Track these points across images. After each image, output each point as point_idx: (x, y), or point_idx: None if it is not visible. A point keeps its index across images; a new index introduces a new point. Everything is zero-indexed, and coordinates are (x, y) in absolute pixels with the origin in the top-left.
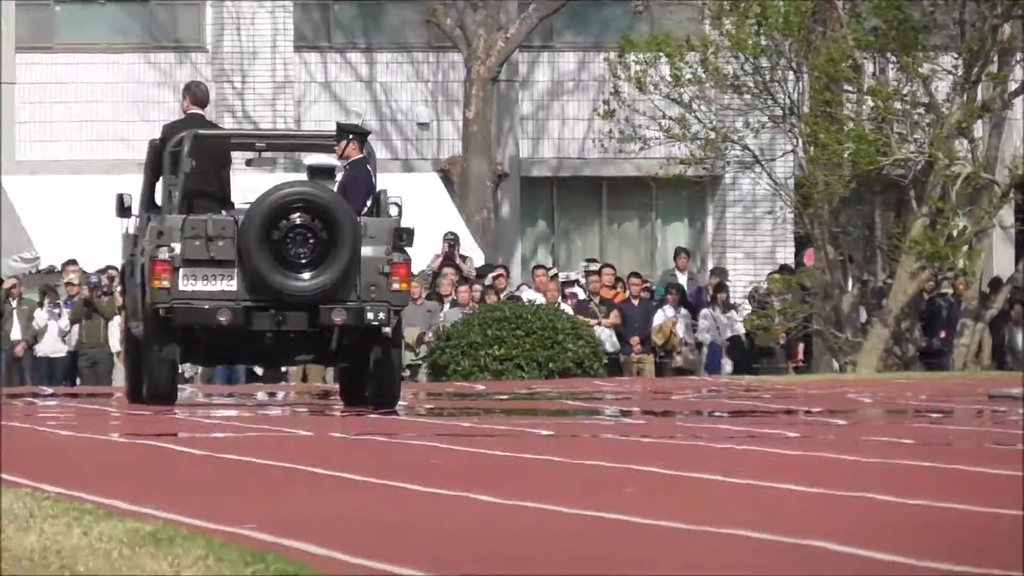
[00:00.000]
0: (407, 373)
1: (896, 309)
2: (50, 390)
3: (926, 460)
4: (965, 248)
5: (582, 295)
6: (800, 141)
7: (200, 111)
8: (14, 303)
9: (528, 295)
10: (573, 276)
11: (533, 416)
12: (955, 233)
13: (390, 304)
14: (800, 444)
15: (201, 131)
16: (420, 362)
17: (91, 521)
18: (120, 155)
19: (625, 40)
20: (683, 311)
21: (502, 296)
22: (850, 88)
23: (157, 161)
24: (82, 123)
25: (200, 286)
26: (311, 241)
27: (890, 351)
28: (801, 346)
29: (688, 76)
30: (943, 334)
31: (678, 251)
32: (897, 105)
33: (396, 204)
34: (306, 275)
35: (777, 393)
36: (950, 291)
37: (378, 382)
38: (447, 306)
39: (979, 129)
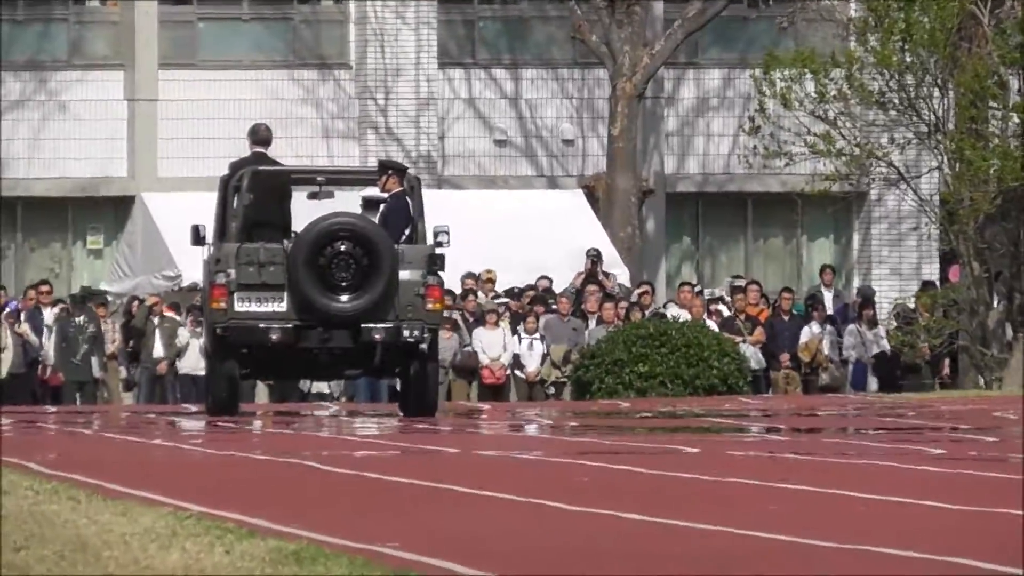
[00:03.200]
0: (552, 391)
1: None
2: (193, 407)
3: None
4: None
5: (727, 312)
6: (945, 158)
7: (263, 149)
8: (156, 320)
9: (673, 312)
10: (718, 293)
11: (678, 434)
12: None
13: (425, 322)
14: (945, 462)
15: (260, 167)
16: (565, 380)
17: (233, 540)
18: None
19: (770, 57)
20: (829, 328)
21: (647, 313)
22: (995, 105)
23: (224, 194)
24: (224, 140)
25: (254, 307)
26: (353, 266)
27: None
28: (947, 363)
29: (833, 92)
30: None
31: (824, 268)
32: None
33: (444, 232)
34: (348, 297)
35: (922, 410)
36: None
37: (416, 393)
38: (592, 324)
39: None
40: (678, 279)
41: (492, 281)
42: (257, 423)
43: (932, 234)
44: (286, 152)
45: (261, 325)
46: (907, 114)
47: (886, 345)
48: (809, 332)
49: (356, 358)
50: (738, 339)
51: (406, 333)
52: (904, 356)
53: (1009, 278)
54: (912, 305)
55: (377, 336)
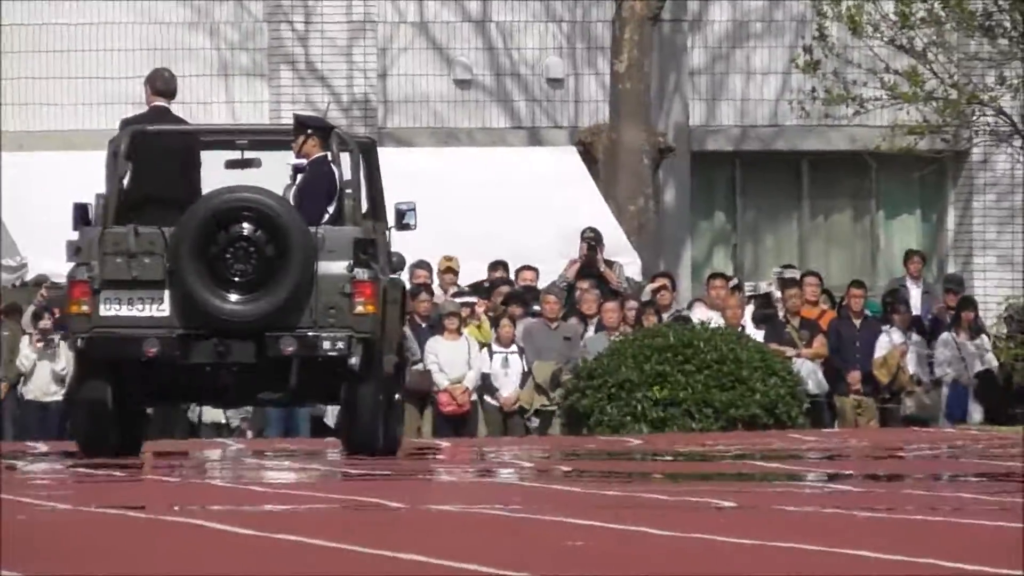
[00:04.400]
0: (535, 423)
1: None
2: (43, 446)
3: None
4: None
5: (776, 315)
6: None
7: (164, 103)
8: None
9: (701, 314)
10: (763, 288)
11: (708, 482)
12: None
13: (353, 331)
14: None
15: (150, 127)
16: (554, 408)
17: None
18: None
19: None
20: (915, 337)
21: (666, 317)
22: None
23: (112, 164)
24: (79, 81)
25: (125, 311)
26: (254, 257)
27: None
28: None
29: (921, 13)
30: None
31: (909, 254)
32: None
33: (410, 210)
34: (246, 297)
35: None
36: None
37: (349, 426)
38: (590, 331)
39: None
40: (707, 270)
41: (453, 272)
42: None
43: None
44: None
45: (133, 334)
46: (1023, 43)
47: (993, 361)
48: (888, 342)
49: (265, 378)
50: (790, 352)
51: (326, 345)
52: (1018, 376)
53: None
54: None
55: (287, 348)
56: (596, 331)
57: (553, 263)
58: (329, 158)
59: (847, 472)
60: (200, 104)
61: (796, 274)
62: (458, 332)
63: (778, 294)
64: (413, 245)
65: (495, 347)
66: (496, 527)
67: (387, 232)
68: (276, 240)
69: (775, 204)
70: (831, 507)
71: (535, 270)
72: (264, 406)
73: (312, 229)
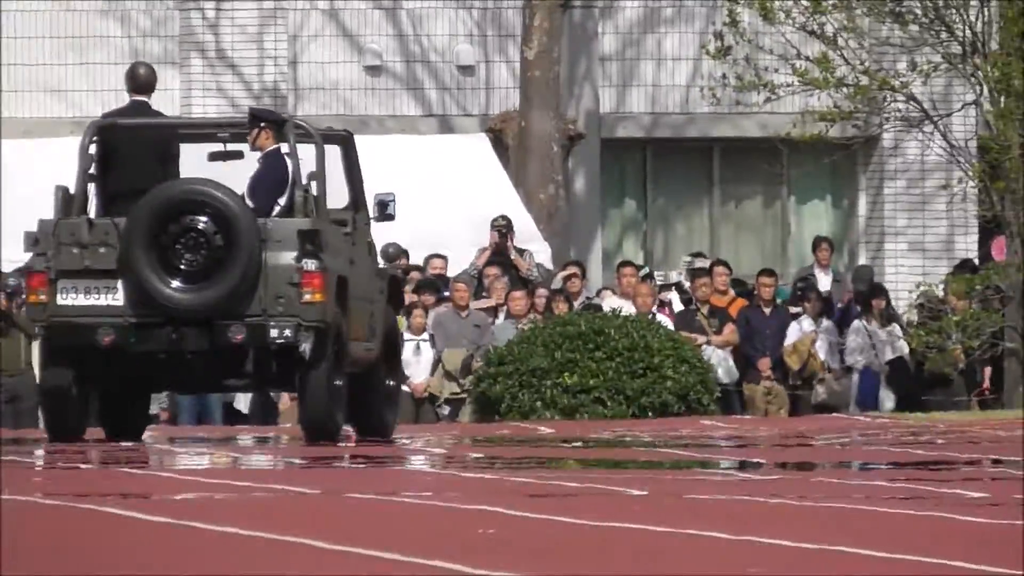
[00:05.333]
0: (446, 410)
1: None
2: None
3: None
4: None
5: (677, 304)
6: (986, 89)
7: (143, 98)
8: None
9: (612, 303)
10: (674, 277)
11: (619, 469)
12: None
13: (301, 319)
14: (986, 508)
15: (120, 120)
16: (464, 395)
17: None
18: (47, 112)
19: None
20: (826, 324)
21: (576, 305)
22: None
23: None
24: None
25: (81, 300)
26: (203, 247)
27: None
28: (988, 372)
29: (832, 0)
30: None
31: (817, 241)
32: None
33: (390, 202)
34: (194, 286)
35: (955, 437)
36: None
37: (303, 413)
38: (500, 318)
39: None
40: (618, 258)
41: None
42: (40, 453)
43: (968, 194)
44: (79, 84)
45: (89, 323)
46: (934, 29)
47: (905, 348)
48: (799, 330)
49: (220, 365)
50: (701, 340)
51: (274, 333)
52: (929, 363)
53: None
54: (940, 293)
55: (237, 336)
56: (506, 319)
57: (463, 251)
58: (283, 150)
59: (758, 460)
60: (111, 92)
61: (706, 263)
62: None
63: (688, 283)
64: None
65: (407, 335)
66: (407, 514)
67: (368, 223)
68: (224, 231)
69: (686, 191)
70: (742, 495)
71: (444, 258)
72: (230, 391)
73: (261, 221)
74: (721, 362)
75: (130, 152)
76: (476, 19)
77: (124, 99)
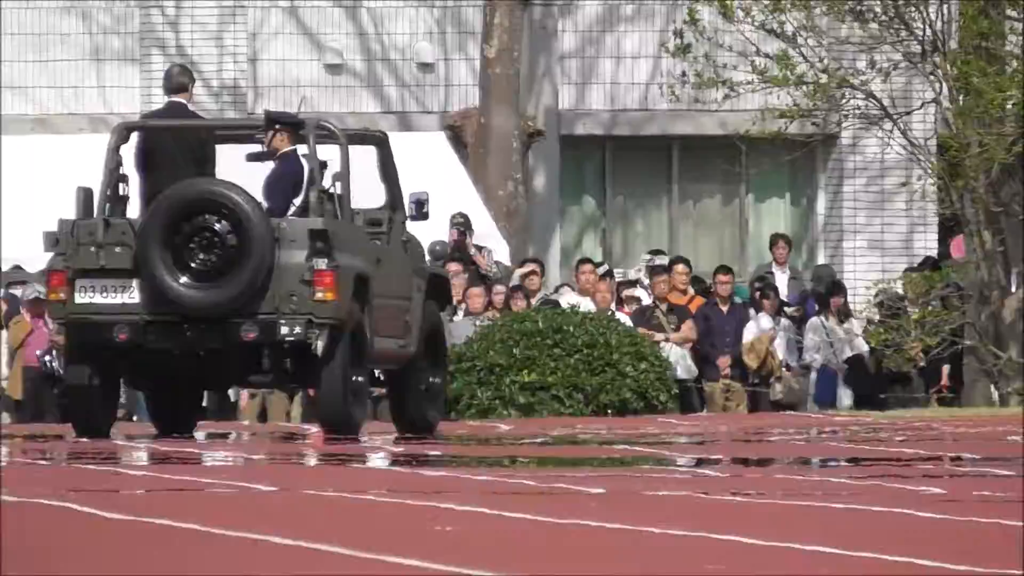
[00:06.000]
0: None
1: None
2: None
3: None
4: None
5: (645, 300)
6: (945, 87)
7: (179, 99)
8: None
9: (570, 300)
10: (632, 274)
11: (577, 467)
12: None
13: (313, 316)
14: (944, 505)
15: (152, 122)
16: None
17: None
18: (8, 109)
19: None
20: (784, 322)
21: (534, 301)
22: (1014, 14)
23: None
24: None
25: (99, 299)
26: (217, 247)
27: None
28: (947, 369)
29: None
30: None
31: (776, 239)
32: None
33: (424, 200)
34: (207, 285)
35: (914, 434)
36: None
37: (319, 408)
38: (459, 316)
39: None
40: (577, 255)
41: None
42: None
43: (927, 192)
44: (39, 81)
45: (105, 321)
46: (893, 28)
47: (863, 346)
48: (757, 328)
49: (238, 361)
50: (659, 337)
51: (284, 330)
52: (888, 361)
53: None
54: (899, 291)
55: (249, 334)
56: (464, 316)
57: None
58: (299, 152)
59: (716, 457)
60: (71, 88)
61: (665, 260)
62: None
63: (647, 280)
64: None
65: None
66: (366, 511)
67: (404, 222)
68: (238, 232)
69: (645, 189)
70: (700, 492)
71: None
72: (255, 387)
73: (275, 221)
74: (680, 360)
75: (166, 153)
76: (436, 17)
77: (84, 97)
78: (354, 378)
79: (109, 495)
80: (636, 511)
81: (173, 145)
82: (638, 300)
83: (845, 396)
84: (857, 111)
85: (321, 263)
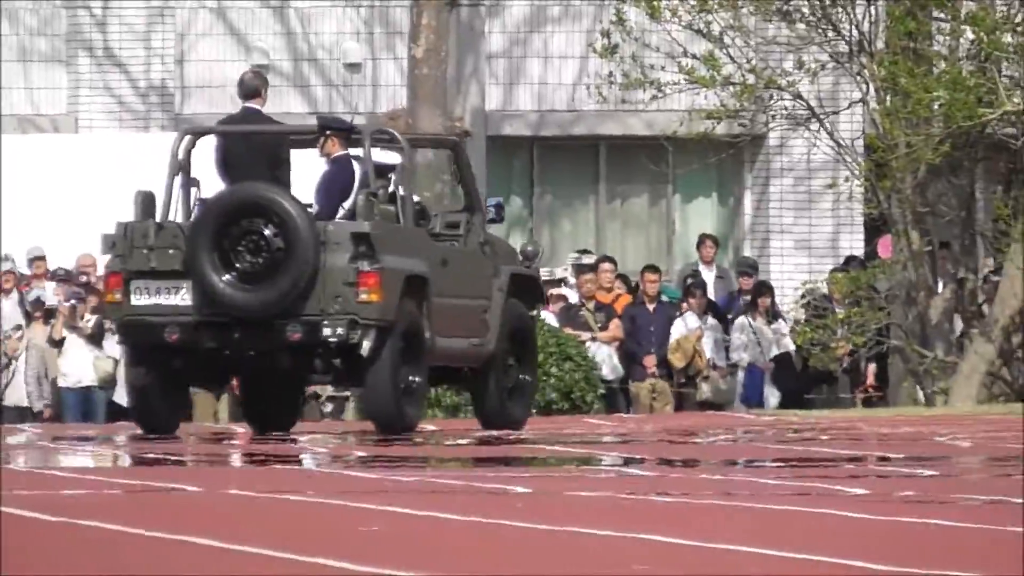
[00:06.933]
0: (329, 408)
1: (1004, 318)
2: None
3: None
4: None
5: (571, 299)
6: (872, 88)
7: (253, 104)
8: None
9: None
10: (559, 273)
11: (503, 467)
12: None
13: (358, 317)
14: (871, 505)
15: (221, 126)
16: (347, 394)
17: None
18: None
19: None
20: (711, 321)
21: None
22: (942, 15)
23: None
24: None
25: (153, 300)
26: (264, 250)
27: (996, 375)
28: (873, 369)
29: None
30: None
31: (703, 238)
32: (1007, 39)
33: (500, 206)
34: (253, 287)
35: (839, 434)
36: None
37: (367, 406)
38: None
39: None
40: None
41: None
42: None
43: (854, 193)
44: None
45: (157, 322)
46: (820, 28)
47: (790, 345)
48: (684, 327)
49: (291, 363)
50: (585, 336)
51: (327, 332)
52: (814, 360)
53: (959, 253)
54: (826, 291)
55: (294, 335)
56: None
57: None
58: (351, 155)
59: (642, 457)
60: None
61: (592, 259)
62: None
63: (573, 279)
64: None
65: None
66: (291, 512)
67: (483, 224)
68: (284, 234)
69: (572, 189)
70: (626, 492)
71: None
72: (314, 385)
73: (321, 224)
74: (606, 359)
75: (241, 157)
76: (364, 17)
77: (12, 98)
78: (410, 378)
79: (40, 496)
80: (562, 511)
81: (247, 149)
82: (564, 299)
83: (772, 396)
84: (784, 112)
85: (365, 265)
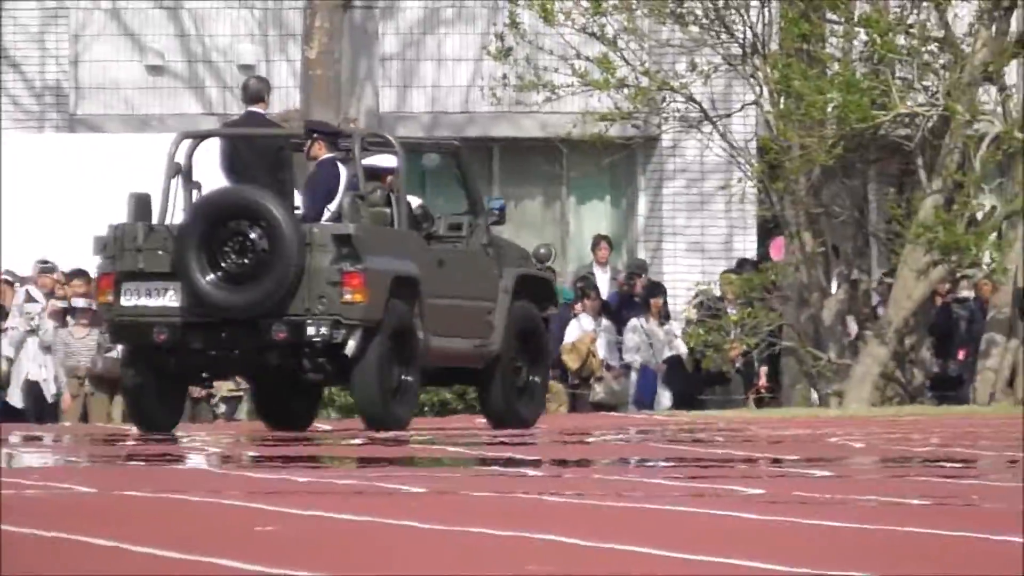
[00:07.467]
0: (222, 408)
1: (898, 320)
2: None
3: (940, 528)
4: (993, 236)
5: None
6: (766, 90)
7: (256, 108)
8: None
9: None
10: None
11: (397, 467)
12: (979, 216)
13: (341, 317)
14: (764, 506)
15: (221, 130)
16: (241, 393)
17: None
18: None
19: None
20: (605, 323)
21: None
22: (835, 17)
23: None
24: None
25: (142, 301)
26: (249, 252)
27: (889, 377)
28: (765, 371)
29: (613, 0)
30: (962, 355)
31: (598, 240)
32: (900, 40)
33: (500, 208)
34: (238, 288)
35: (732, 435)
36: (972, 295)
37: (358, 407)
38: None
39: (1013, 73)
40: None
41: None
42: None
43: (747, 195)
44: None
45: (146, 322)
46: (713, 30)
47: (682, 347)
48: (577, 328)
49: (278, 362)
50: None
51: (311, 331)
52: (707, 362)
53: (852, 255)
54: (718, 292)
55: (279, 334)
56: None
57: None
58: (336, 159)
59: (536, 458)
60: None
61: None
62: None
63: None
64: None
65: None
66: (185, 512)
67: (487, 226)
68: (269, 236)
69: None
70: (520, 492)
71: None
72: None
73: (307, 226)
74: None
75: (244, 161)
76: (258, 19)
77: None
78: (402, 377)
79: None
80: (456, 511)
81: (251, 153)
82: None
83: (664, 397)
84: (677, 114)
85: (348, 266)
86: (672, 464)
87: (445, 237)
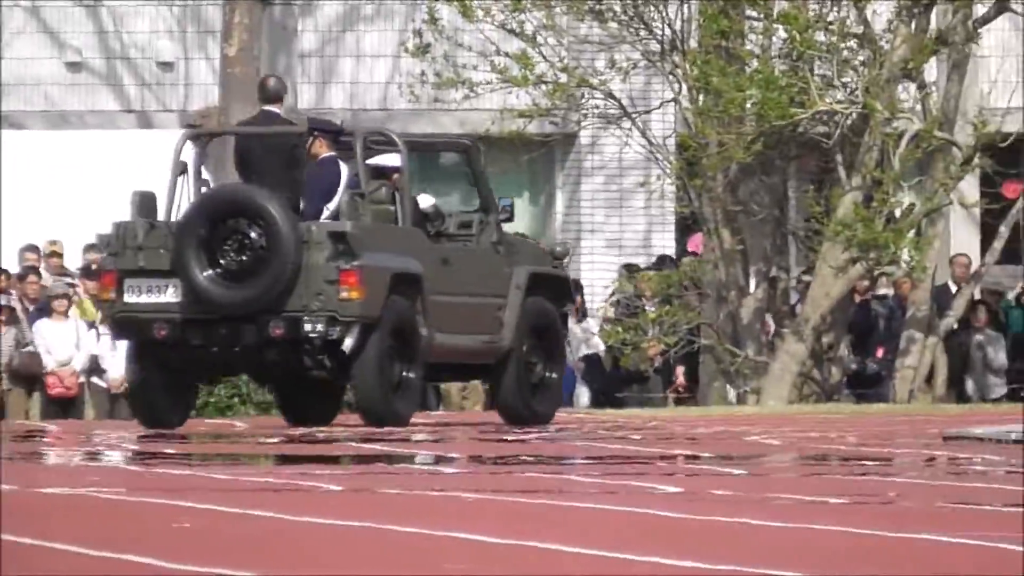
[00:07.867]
0: None
1: (816, 318)
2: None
3: (857, 526)
4: (911, 234)
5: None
6: (685, 87)
7: (273, 108)
8: None
9: None
10: None
11: (315, 464)
12: (898, 213)
13: (338, 315)
14: (682, 503)
15: (213, 130)
16: None
17: None
18: None
19: None
20: None
21: None
22: (754, 14)
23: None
24: None
25: (144, 298)
26: (247, 249)
27: (807, 376)
28: (682, 369)
29: None
30: (881, 352)
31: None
32: (820, 37)
33: (509, 208)
34: (235, 285)
35: (650, 433)
36: (891, 293)
37: (358, 402)
38: None
39: (932, 71)
40: None
41: (58, 255)
42: None
43: (666, 192)
44: None
45: (147, 318)
46: (632, 27)
47: (600, 344)
48: None
49: (277, 358)
50: None
51: (307, 327)
52: (624, 360)
53: (770, 252)
54: (636, 290)
55: (276, 331)
56: None
57: None
58: (336, 157)
59: (453, 455)
60: None
61: None
62: (66, 314)
63: None
64: (27, 228)
65: (103, 329)
66: (101, 509)
67: (497, 224)
68: (267, 234)
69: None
70: (438, 490)
71: None
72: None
73: (304, 224)
74: None
75: (258, 158)
76: (176, 16)
77: None
78: (404, 373)
79: None
80: (374, 509)
81: (264, 151)
82: None
83: (583, 395)
84: (596, 110)
85: (344, 263)
86: (590, 462)
87: (455, 235)
